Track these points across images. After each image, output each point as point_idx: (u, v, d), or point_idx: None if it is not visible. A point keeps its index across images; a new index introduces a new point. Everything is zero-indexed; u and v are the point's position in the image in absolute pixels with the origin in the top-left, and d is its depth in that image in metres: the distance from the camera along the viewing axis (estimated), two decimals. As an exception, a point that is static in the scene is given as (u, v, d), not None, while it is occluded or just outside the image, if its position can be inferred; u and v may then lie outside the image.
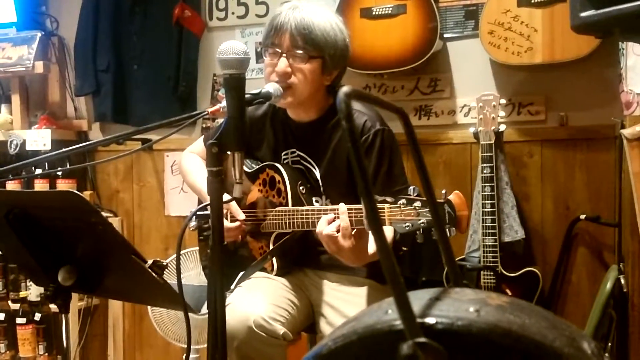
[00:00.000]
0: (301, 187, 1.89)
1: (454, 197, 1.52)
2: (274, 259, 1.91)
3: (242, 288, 1.88)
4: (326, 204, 1.92)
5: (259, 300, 1.79)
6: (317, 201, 1.93)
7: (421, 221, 1.52)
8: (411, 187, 1.57)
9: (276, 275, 1.94)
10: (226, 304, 1.76)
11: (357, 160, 0.52)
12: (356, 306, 1.84)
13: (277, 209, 1.86)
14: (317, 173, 1.95)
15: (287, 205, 1.84)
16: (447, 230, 1.51)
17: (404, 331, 0.55)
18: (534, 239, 2.68)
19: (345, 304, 1.86)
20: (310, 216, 1.77)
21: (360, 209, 1.63)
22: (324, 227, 1.66)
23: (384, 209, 1.55)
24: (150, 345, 3.33)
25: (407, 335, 0.53)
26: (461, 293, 0.65)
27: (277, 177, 1.89)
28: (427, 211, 1.51)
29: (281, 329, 1.74)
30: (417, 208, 1.52)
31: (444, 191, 1.54)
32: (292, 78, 1.83)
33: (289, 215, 1.82)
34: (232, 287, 1.91)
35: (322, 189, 1.94)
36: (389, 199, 1.56)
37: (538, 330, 0.59)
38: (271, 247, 1.88)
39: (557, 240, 2.64)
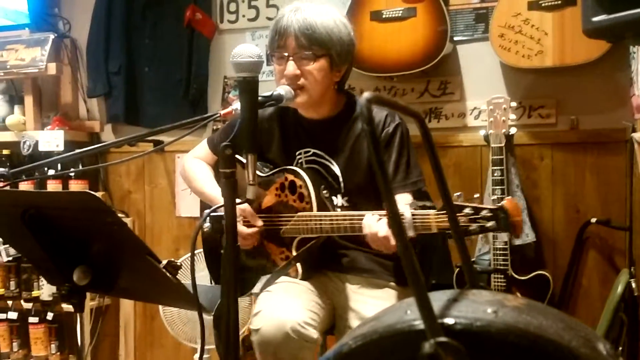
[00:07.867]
0: (324, 191, 1.90)
1: (507, 203, 1.54)
2: (298, 264, 1.92)
3: (273, 293, 1.88)
4: (344, 202, 1.94)
5: (294, 305, 1.79)
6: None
7: (472, 227, 1.54)
8: (456, 194, 1.59)
9: (301, 279, 1.94)
10: (258, 310, 1.78)
11: (379, 165, 0.53)
12: (376, 309, 1.83)
13: (300, 214, 1.86)
14: (335, 169, 1.96)
15: (311, 210, 1.84)
16: (502, 234, 1.55)
17: (424, 331, 0.56)
18: (544, 242, 2.67)
19: (365, 307, 1.86)
20: (342, 222, 1.78)
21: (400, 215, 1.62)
22: (379, 229, 1.66)
23: (429, 216, 1.58)
24: (162, 345, 3.35)
25: (428, 334, 0.54)
26: (478, 295, 0.67)
27: (298, 182, 1.88)
28: (479, 217, 1.53)
29: (315, 334, 1.75)
30: (467, 215, 1.54)
31: (493, 198, 1.56)
32: (302, 80, 1.85)
33: (315, 220, 1.82)
34: (258, 291, 1.93)
35: (342, 184, 1.95)
36: (428, 203, 1.58)
37: (555, 331, 0.60)
38: (294, 252, 1.89)
39: (568, 244, 2.64)
